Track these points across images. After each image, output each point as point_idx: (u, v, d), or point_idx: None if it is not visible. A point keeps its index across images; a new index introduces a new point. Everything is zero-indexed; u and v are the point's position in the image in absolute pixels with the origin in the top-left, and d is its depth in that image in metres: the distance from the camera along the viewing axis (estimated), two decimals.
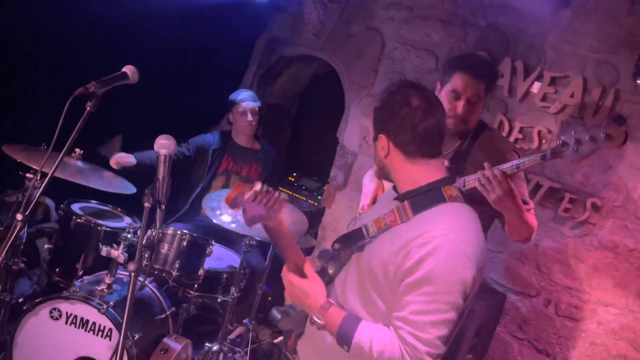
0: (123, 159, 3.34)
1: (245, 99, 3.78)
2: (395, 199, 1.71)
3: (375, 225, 1.70)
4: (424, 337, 1.48)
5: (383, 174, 1.75)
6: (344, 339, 1.59)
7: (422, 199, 1.62)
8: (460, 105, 2.32)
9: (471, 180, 2.22)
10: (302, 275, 1.73)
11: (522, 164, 2.13)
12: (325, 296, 1.68)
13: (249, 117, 3.74)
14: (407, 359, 1.49)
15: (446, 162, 2.38)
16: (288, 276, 1.74)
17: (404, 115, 1.60)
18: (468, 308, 1.67)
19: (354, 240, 1.76)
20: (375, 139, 1.68)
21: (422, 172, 1.65)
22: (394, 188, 1.76)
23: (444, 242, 1.49)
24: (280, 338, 1.92)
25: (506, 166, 2.14)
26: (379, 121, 1.66)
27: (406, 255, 1.52)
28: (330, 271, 1.82)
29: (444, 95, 2.36)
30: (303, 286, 1.70)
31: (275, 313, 1.85)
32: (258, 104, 3.79)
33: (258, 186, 1.63)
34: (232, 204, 1.67)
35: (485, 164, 2.09)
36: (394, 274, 1.56)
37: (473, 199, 1.89)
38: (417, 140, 1.62)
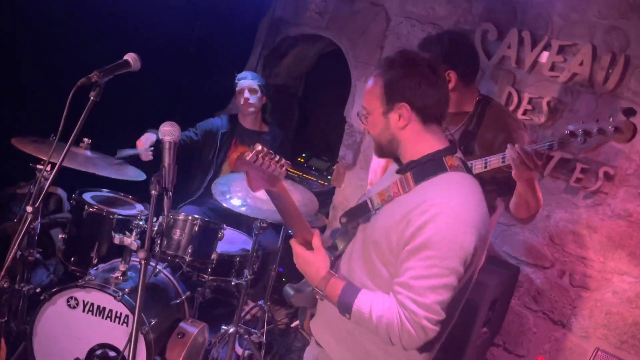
0: (146, 142, 3.33)
1: (242, 77, 3.77)
2: (398, 171, 1.71)
3: (379, 197, 1.71)
4: (422, 301, 1.49)
5: (390, 149, 1.72)
6: (344, 307, 1.62)
7: (423, 169, 1.63)
8: None
9: (494, 161, 2.20)
10: (310, 247, 1.76)
11: (539, 148, 2.09)
12: (327, 268, 1.69)
13: (246, 93, 3.73)
14: (405, 323, 1.51)
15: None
16: (295, 248, 1.77)
17: (425, 81, 1.61)
18: (472, 280, 1.68)
19: (359, 214, 1.78)
20: (388, 111, 1.65)
21: (433, 140, 1.66)
22: (397, 161, 1.75)
23: (444, 209, 1.51)
24: (297, 322, 1.94)
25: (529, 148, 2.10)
26: (397, 90, 1.63)
27: (407, 223, 1.54)
28: (340, 246, 1.84)
29: None
30: (307, 257, 1.73)
31: (289, 289, 1.88)
32: (255, 81, 3.76)
33: (259, 147, 1.64)
34: (235, 165, 1.68)
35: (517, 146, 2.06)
36: (397, 242, 1.57)
37: (481, 178, 1.89)
38: (440, 104, 1.65)
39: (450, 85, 2.31)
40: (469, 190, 1.60)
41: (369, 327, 1.59)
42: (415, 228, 1.52)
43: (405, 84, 1.61)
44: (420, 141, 1.66)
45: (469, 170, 1.68)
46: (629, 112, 1.86)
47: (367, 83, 1.72)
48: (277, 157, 1.69)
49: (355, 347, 1.73)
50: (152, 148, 3.32)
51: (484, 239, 1.59)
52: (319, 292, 1.67)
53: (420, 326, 1.50)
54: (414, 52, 1.72)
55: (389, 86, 1.64)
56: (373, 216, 1.73)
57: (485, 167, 2.24)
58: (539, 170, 2.07)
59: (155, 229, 2.64)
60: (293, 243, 1.79)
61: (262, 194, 2.11)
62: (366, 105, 1.70)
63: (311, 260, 1.72)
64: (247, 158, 1.65)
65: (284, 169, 1.71)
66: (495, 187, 2.39)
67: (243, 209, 2.94)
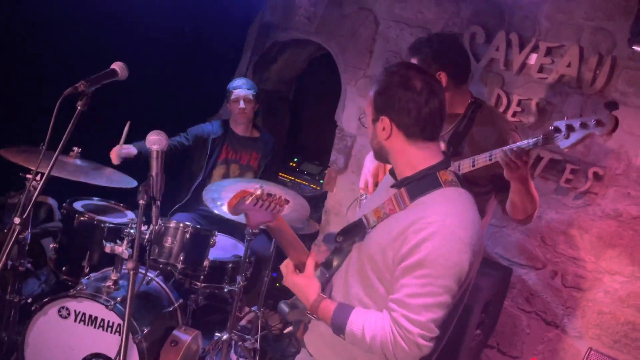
0: (123, 150, 3.30)
1: (237, 87, 3.77)
2: (392, 186, 1.72)
3: (375, 214, 1.71)
4: (417, 319, 1.50)
5: (380, 156, 1.75)
6: (338, 328, 1.63)
7: (418, 185, 1.63)
8: None
9: (481, 160, 2.21)
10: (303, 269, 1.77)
11: (525, 145, 2.10)
12: (317, 291, 1.70)
13: (241, 104, 3.73)
14: (399, 341, 1.51)
15: (443, 145, 2.39)
16: (286, 272, 1.79)
17: (408, 98, 1.59)
18: (465, 296, 1.69)
19: (355, 232, 1.78)
20: (375, 120, 1.68)
21: (422, 155, 1.65)
22: (392, 174, 1.76)
23: (440, 228, 1.51)
24: (290, 328, 1.93)
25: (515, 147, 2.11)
26: (381, 103, 1.64)
27: (403, 241, 1.54)
28: (335, 262, 1.84)
29: None
30: (296, 281, 1.75)
31: (284, 307, 1.88)
32: (251, 91, 3.76)
33: (259, 191, 1.65)
34: (234, 210, 1.69)
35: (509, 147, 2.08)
36: (392, 259, 1.57)
37: (470, 180, 1.90)
38: (420, 122, 1.61)
39: None
40: (464, 206, 1.60)
41: (362, 347, 1.60)
42: (411, 246, 1.52)
43: (390, 99, 1.62)
44: (408, 154, 1.66)
45: (462, 183, 1.68)
46: (611, 105, 1.89)
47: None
48: (277, 197, 1.70)
49: (350, 357, 1.73)
50: (122, 158, 3.28)
51: (478, 254, 1.60)
52: (311, 316, 1.69)
53: (414, 343, 1.51)
54: (415, 66, 1.72)
55: (377, 96, 1.66)
56: (368, 233, 1.73)
57: (473, 165, 2.25)
58: (527, 169, 2.08)
59: (146, 237, 2.66)
60: (284, 266, 1.80)
61: None
62: (365, 109, 1.75)
63: (301, 284, 1.73)
64: (247, 203, 1.65)
65: (283, 205, 1.72)
66: (491, 184, 2.40)
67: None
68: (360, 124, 1.65)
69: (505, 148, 2.05)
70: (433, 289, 1.50)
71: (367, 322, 1.57)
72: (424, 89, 1.60)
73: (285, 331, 1.98)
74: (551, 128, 2.00)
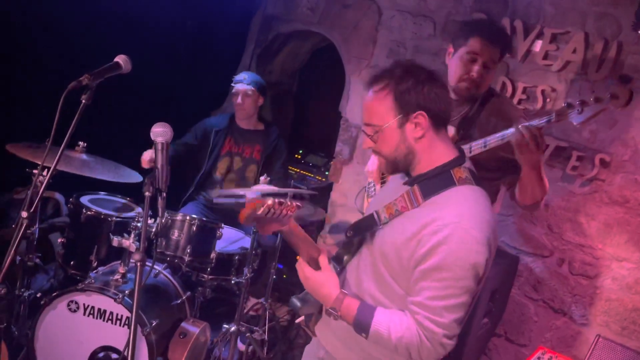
0: (150, 155, 3.26)
1: (238, 81, 3.76)
2: (405, 183, 1.70)
3: (387, 211, 1.70)
4: (440, 321, 1.52)
5: (404, 164, 1.67)
6: (361, 327, 1.63)
7: (431, 183, 1.62)
8: (475, 68, 2.31)
9: (493, 141, 2.20)
10: (317, 266, 1.75)
11: (537, 123, 2.09)
12: (338, 287, 1.69)
13: (239, 99, 3.72)
14: (425, 342, 1.54)
15: (452, 129, 2.38)
16: (303, 269, 1.76)
17: (437, 86, 1.61)
18: (482, 285, 1.69)
19: (366, 227, 1.76)
20: (404, 122, 1.61)
21: (445, 149, 1.66)
22: (406, 173, 1.74)
23: (456, 230, 1.50)
24: (302, 318, 1.93)
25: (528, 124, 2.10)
26: (413, 99, 1.59)
27: (419, 243, 1.54)
28: (344, 257, 1.84)
29: (457, 58, 2.34)
30: (317, 278, 1.72)
31: (295, 301, 1.88)
32: (251, 86, 3.72)
33: (270, 201, 1.65)
34: (247, 221, 1.70)
35: (521, 121, 2.07)
36: (408, 260, 1.58)
37: (481, 165, 1.89)
38: (449, 107, 1.65)
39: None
40: (478, 205, 1.59)
41: (387, 346, 1.61)
42: (427, 249, 1.52)
43: (420, 91, 1.59)
44: (435, 151, 1.64)
45: (477, 180, 1.66)
46: (625, 78, 1.88)
47: (366, 98, 1.68)
48: (288, 203, 1.69)
49: (362, 351, 1.74)
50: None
51: (494, 250, 1.60)
52: (333, 313, 1.67)
53: (439, 343, 1.54)
54: (409, 60, 1.73)
55: (401, 96, 1.60)
56: (380, 230, 1.71)
57: (485, 146, 2.23)
58: (540, 152, 2.07)
59: (153, 230, 2.67)
60: (300, 264, 1.77)
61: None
62: (375, 121, 1.64)
63: (321, 281, 1.71)
64: (259, 213, 1.65)
65: (294, 210, 1.72)
66: (500, 169, 2.39)
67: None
68: (366, 133, 1.60)
69: (519, 126, 2.04)
70: (453, 291, 1.52)
71: (392, 322, 1.58)
72: (436, 77, 1.63)
73: (297, 321, 1.98)
74: (564, 104, 1.99)
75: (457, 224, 1.51)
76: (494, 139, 2.20)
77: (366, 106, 1.67)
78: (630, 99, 1.88)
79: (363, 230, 1.77)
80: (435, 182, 1.61)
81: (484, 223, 1.55)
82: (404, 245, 1.58)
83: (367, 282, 1.72)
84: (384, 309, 1.64)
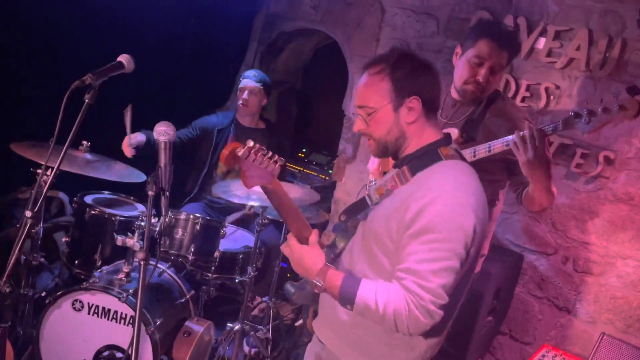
0: (133, 140, 3.25)
1: (247, 77, 3.77)
2: (394, 165, 1.73)
3: (377, 192, 1.74)
4: (427, 285, 1.49)
5: (394, 147, 1.70)
6: (346, 297, 1.59)
7: (419, 161, 1.65)
8: (482, 72, 2.27)
9: (497, 146, 2.20)
10: (307, 244, 1.75)
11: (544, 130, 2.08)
12: (323, 261, 1.68)
13: (245, 94, 3.72)
14: (412, 308, 1.50)
15: (456, 131, 2.37)
16: (288, 241, 1.76)
17: (431, 72, 1.67)
18: (473, 267, 1.68)
19: (359, 210, 1.79)
20: (399, 106, 1.64)
21: (433, 131, 1.69)
22: (394, 157, 1.76)
23: (442, 192, 1.53)
24: (300, 322, 1.94)
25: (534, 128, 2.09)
26: (409, 83, 1.63)
27: (406, 209, 1.55)
28: (340, 244, 1.83)
29: (464, 60, 2.31)
30: (302, 250, 1.72)
31: (290, 287, 1.86)
32: (259, 85, 3.73)
33: (251, 143, 1.66)
34: (227, 160, 1.68)
35: (527, 125, 2.06)
36: (397, 229, 1.58)
37: (482, 168, 1.88)
38: (440, 95, 1.71)
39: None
40: (465, 174, 1.63)
41: (374, 317, 1.56)
42: (414, 212, 1.53)
43: (415, 77, 1.64)
44: (423, 133, 1.68)
45: (463, 159, 1.70)
46: (634, 90, 1.87)
47: (361, 81, 1.70)
48: (270, 154, 1.70)
49: (357, 341, 1.73)
50: (136, 147, 3.27)
51: (482, 222, 1.59)
52: (318, 284, 1.64)
53: (426, 310, 1.49)
54: (406, 48, 1.75)
55: (399, 80, 1.63)
56: (372, 211, 1.74)
57: (489, 151, 2.23)
58: (545, 163, 2.04)
59: (157, 229, 2.67)
60: (290, 236, 1.78)
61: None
62: (371, 104, 1.67)
63: (306, 253, 1.70)
64: (239, 154, 1.66)
65: (277, 165, 1.71)
66: (504, 172, 2.38)
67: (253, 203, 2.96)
68: (357, 117, 1.60)
69: (524, 132, 2.03)
70: (440, 254, 1.50)
71: (378, 290, 1.55)
72: (429, 64, 1.69)
73: (296, 324, 1.97)
74: (571, 113, 1.98)
75: (442, 186, 1.55)
76: (498, 144, 2.20)
77: (361, 89, 1.70)
78: (639, 110, 1.87)
79: (356, 213, 1.80)
80: (422, 159, 1.65)
81: (471, 189, 1.59)
82: (393, 215, 1.60)
83: (360, 263, 1.71)
84: (370, 280, 1.61)
